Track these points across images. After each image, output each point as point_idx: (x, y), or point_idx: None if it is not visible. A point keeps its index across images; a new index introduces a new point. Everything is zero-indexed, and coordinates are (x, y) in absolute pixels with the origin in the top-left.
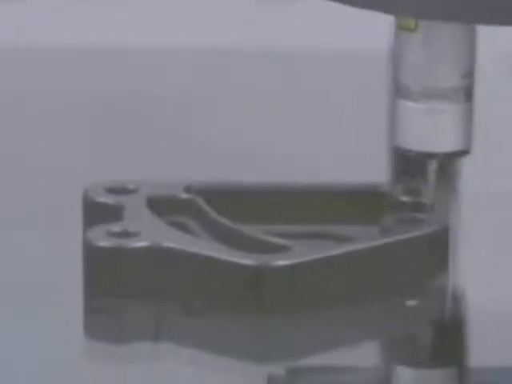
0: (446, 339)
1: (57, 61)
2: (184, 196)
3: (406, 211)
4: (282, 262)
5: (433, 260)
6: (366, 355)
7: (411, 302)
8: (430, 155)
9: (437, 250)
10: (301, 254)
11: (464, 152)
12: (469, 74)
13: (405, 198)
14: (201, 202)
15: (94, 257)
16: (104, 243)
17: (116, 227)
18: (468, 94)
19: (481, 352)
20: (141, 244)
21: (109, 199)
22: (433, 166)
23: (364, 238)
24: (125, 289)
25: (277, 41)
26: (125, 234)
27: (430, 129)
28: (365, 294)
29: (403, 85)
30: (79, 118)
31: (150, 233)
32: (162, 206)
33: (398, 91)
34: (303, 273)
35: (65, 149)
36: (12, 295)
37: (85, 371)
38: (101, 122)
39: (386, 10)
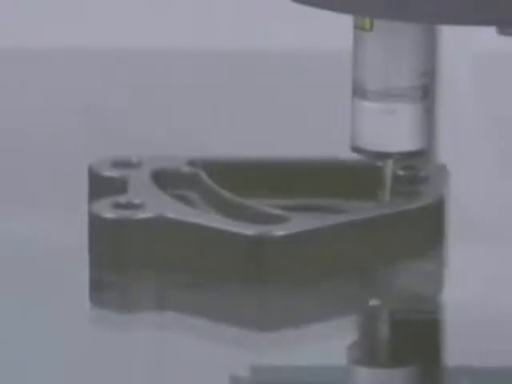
0: (420, 338)
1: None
2: (187, 170)
3: (401, 184)
4: (281, 232)
5: (428, 232)
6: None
7: (374, 302)
8: (386, 155)
9: (432, 222)
10: (300, 224)
11: (421, 152)
12: (425, 74)
13: (400, 172)
14: (203, 175)
15: (99, 228)
16: (109, 215)
17: (121, 199)
18: (425, 94)
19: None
20: (145, 215)
21: (114, 173)
22: (389, 165)
23: (361, 210)
24: (130, 259)
25: None
26: (130, 206)
27: (386, 128)
28: (363, 264)
29: (359, 84)
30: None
31: (154, 205)
32: (165, 179)
33: (355, 91)
34: (302, 243)
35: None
36: (20, 270)
37: (90, 339)
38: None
39: (341, 9)
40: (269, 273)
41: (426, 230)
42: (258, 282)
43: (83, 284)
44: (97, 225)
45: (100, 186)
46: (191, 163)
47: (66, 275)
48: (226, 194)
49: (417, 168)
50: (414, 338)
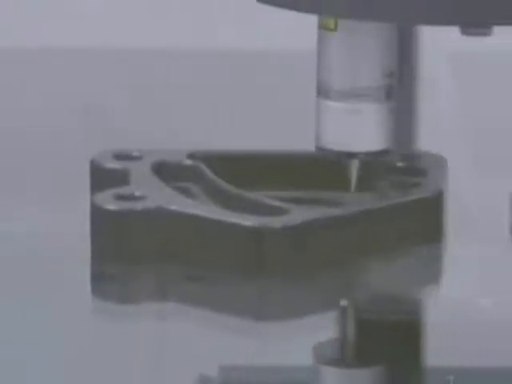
0: (397, 339)
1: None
2: (187, 162)
3: (399, 176)
4: (281, 224)
5: (427, 224)
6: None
7: (343, 303)
8: (351, 155)
9: (431, 214)
10: (299, 215)
11: (385, 151)
12: (390, 74)
13: (398, 164)
14: (203, 168)
15: (101, 220)
16: (111, 206)
17: (123, 191)
18: (389, 94)
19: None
20: (147, 207)
21: (115, 165)
22: (354, 165)
23: (361, 202)
24: (131, 250)
25: None
26: (131, 198)
27: (350, 128)
28: (362, 256)
29: (324, 84)
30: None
31: (155, 196)
32: (166, 171)
33: (320, 90)
34: (302, 234)
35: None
36: (22, 262)
37: (92, 331)
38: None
39: (306, 9)
40: (268, 264)
41: (425, 222)
42: (257, 273)
43: (85, 276)
44: (99, 216)
45: (102, 178)
46: (192, 156)
47: (67, 267)
48: (226, 186)
49: (415, 159)
50: (397, 337)
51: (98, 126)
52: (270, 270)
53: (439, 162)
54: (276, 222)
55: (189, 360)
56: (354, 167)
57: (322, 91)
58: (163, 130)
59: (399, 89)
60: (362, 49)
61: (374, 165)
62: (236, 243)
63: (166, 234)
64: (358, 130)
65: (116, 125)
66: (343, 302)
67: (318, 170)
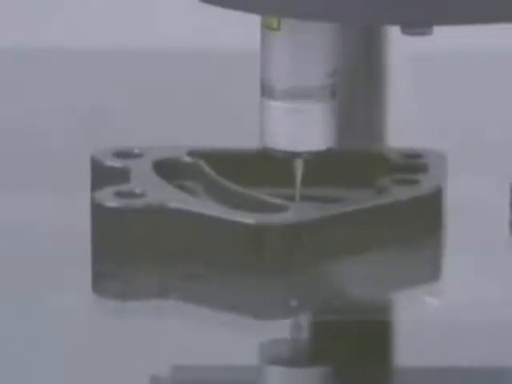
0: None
1: None
2: (187, 160)
3: (400, 173)
4: (280, 221)
5: (426, 221)
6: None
7: (293, 303)
8: (295, 155)
9: (430, 211)
10: (299, 213)
11: (329, 150)
12: (333, 73)
13: (399, 160)
14: (203, 165)
15: (101, 216)
16: (111, 203)
17: (123, 188)
18: (332, 93)
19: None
20: (147, 204)
21: (116, 163)
22: (299, 165)
23: (361, 199)
24: (131, 247)
25: None
26: (131, 195)
27: (295, 128)
28: (362, 253)
29: (268, 84)
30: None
31: (155, 194)
32: (166, 169)
33: (264, 90)
34: (301, 231)
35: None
36: (22, 259)
37: (92, 328)
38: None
39: (249, 9)
40: (268, 261)
41: (425, 219)
42: (257, 271)
43: (85, 273)
44: (99, 213)
45: (102, 175)
46: (191, 153)
47: (68, 264)
48: (226, 184)
49: (415, 156)
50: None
51: (99, 127)
52: (269, 268)
53: (439, 159)
54: (275, 219)
55: (188, 358)
56: (299, 166)
57: (266, 91)
58: (163, 130)
59: (367, 85)
60: (305, 48)
61: (373, 162)
62: (236, 240)
63: (165, 231)
64: (302, 129)
65: (116, 125)
66: (293, 303)
67: (319, 166)
